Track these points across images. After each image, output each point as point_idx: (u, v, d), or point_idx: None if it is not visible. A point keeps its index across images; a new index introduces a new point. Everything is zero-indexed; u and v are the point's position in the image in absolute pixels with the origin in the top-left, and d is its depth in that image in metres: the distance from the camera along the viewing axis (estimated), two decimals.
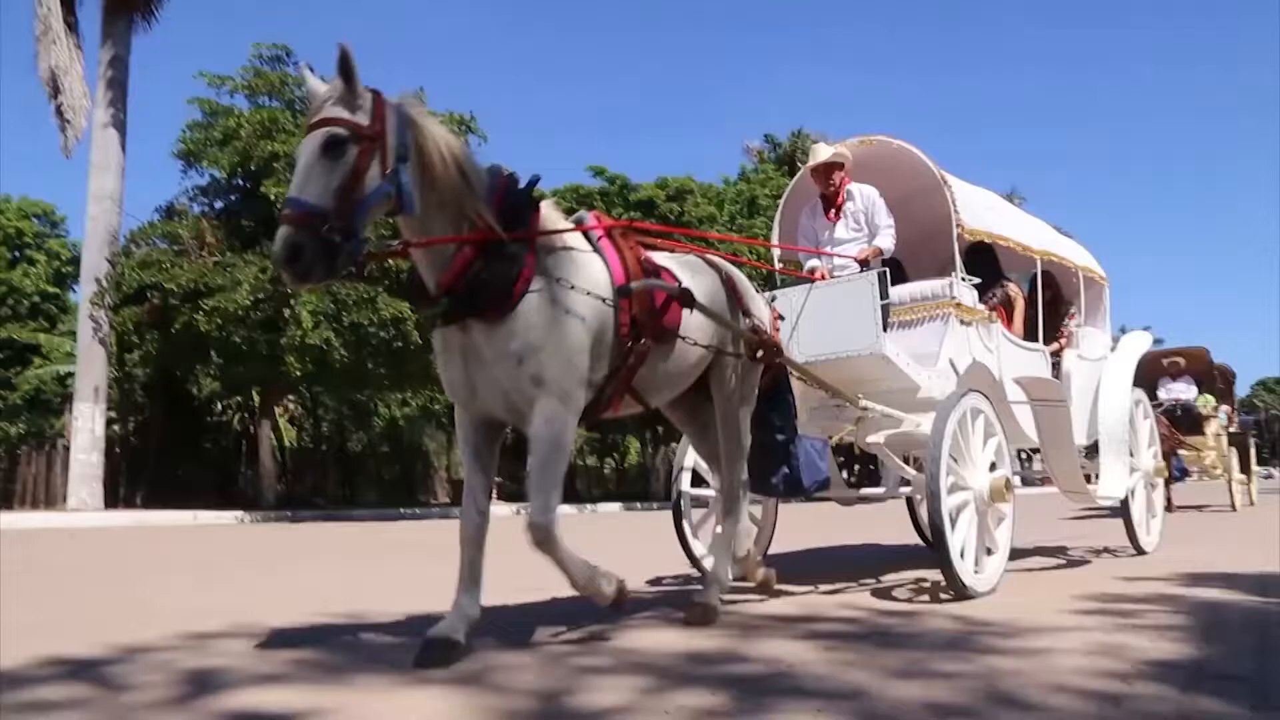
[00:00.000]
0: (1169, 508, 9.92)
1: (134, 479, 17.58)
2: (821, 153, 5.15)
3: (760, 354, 3.77)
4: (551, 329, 2.93)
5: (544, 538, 2.90)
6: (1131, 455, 5.98)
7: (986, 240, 5.23)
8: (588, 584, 3.01)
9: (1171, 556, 5.82)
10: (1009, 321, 5.45)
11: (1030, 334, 5.63)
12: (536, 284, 2.94)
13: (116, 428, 17.83)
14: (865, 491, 5.13)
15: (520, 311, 2.90)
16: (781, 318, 4.30)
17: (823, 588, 4.56)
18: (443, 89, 64.19)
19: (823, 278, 4.84)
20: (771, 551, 5.29)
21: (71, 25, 17.22)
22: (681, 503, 4.90)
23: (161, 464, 17.84)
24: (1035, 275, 5.75)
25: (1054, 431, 5.33)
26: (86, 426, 15.91)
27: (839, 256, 4.98)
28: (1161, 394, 13.42)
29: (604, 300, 3.08)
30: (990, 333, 5.06)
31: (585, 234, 3.28)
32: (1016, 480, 4.54)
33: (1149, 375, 13.38)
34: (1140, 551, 6.02)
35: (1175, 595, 4.11)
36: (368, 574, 6.02)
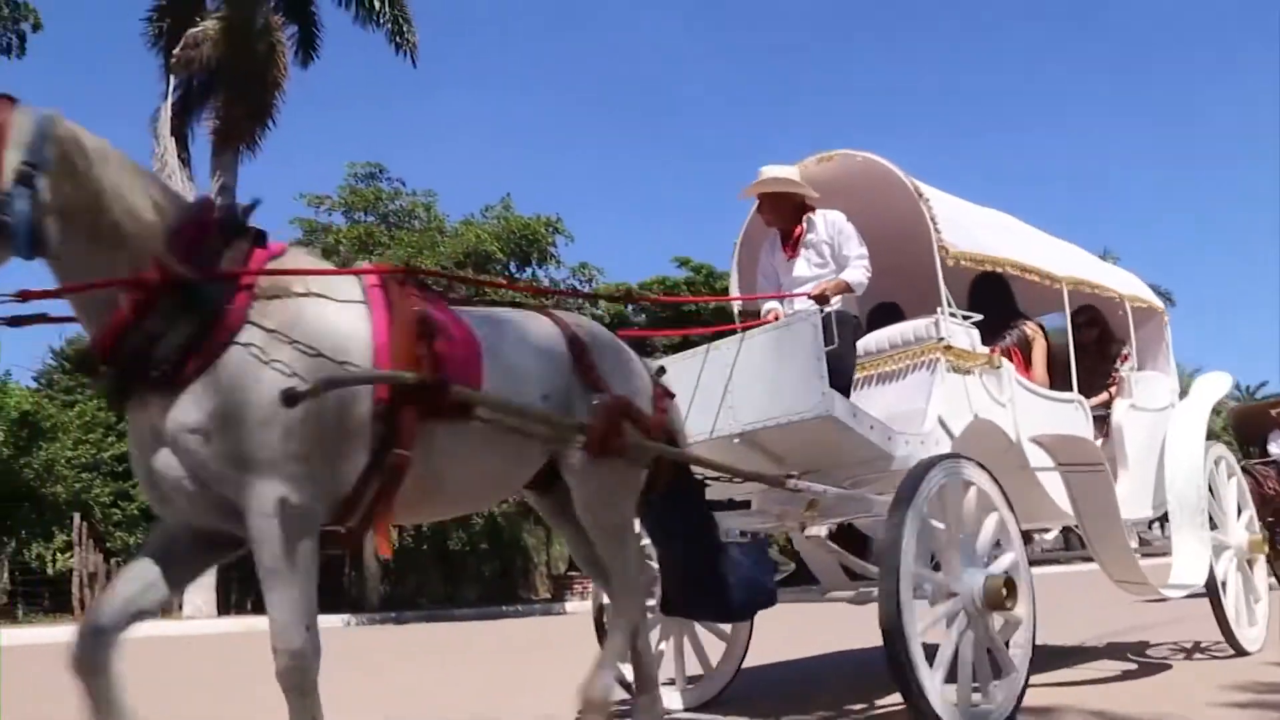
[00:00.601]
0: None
1: (244, 584, 18.04)
2: (761, 176, 4.19)
3: (614, 447, 2.75)
4: (258, 393, 2.15)
5: (289, 669, 2.20)
6: (1215, 528, 4.83)
7: (985, 265, 4.33)
8: None
9: None
10: (1026, 367, 4.47)
11: (1062, 382, 4.59)
12: (244, 338, 2.20)
13: None
14: (833, 595, 4.07)
15: (211, 374, 2.16)
16: (670, 395, 3.26)
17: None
18: (528, 192, 66.63)
19: (776, 320, 3.91)
20: (813, 652, 4.81)
21: (185, 160, 18.46)
22: (605, 616, 3.78)
23: None
24: (1067, 311, 4.76)
25: (1093, 504, 4.13)
26: None
27: (795, 296, 4.06)
28: (1273, 449, 11.87)
29: (345, 363, 2.28)
30: (1000, 382, 4.03)
31: (359, 279, 2.53)
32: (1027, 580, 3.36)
33: (1256, 428, 12.16)
34: (1240, 652, 4.80)
35: None
36: (472, 677, 6.00)
